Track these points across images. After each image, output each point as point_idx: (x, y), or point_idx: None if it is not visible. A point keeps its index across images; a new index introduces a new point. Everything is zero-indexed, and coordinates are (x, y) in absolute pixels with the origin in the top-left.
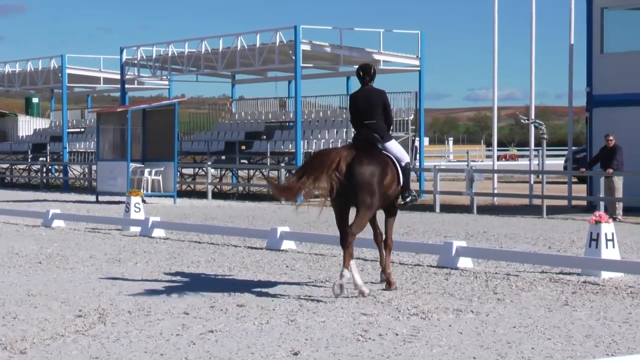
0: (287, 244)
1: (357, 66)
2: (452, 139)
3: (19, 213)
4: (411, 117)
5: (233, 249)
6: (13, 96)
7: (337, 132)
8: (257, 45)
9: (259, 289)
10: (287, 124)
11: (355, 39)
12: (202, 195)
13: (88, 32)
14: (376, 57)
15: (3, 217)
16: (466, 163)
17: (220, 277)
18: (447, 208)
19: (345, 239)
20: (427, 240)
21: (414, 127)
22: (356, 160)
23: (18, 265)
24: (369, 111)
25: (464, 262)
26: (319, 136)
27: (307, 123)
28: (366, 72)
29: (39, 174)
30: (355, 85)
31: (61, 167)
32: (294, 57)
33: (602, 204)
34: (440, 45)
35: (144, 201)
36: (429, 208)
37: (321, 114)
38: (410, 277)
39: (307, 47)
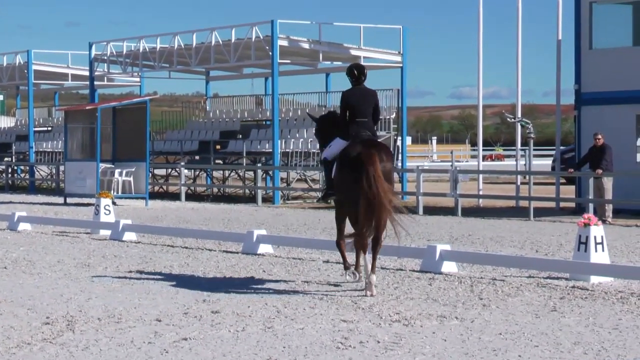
0: (264, 248)
1: (338, 63)
2: (435, 138)
3: None
4: (393, 116)
5: (208, 253)
6: None
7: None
8: (233, 40)
9: (234, 295)
10: (264, 122)
11: (335, 34)
12: (175, 197)
13: (55, 26)
14: (356, 52)
15: None
16: (450, 163)
17: (194, 282)
18: (430, 210)
19: (366, 240)
20: (409, 243)
21: (395, 125)
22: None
23: None
24: (363, 109)
25: (448, 267)
26: (297, 135)
27: (285, 122)
28: (361, 71)
29: (4, 174)
30: (336, 80)
31: (27, 168)
32: (270, 53)
33: (591, 205)
34: (424, 41)
35: (114, 203)
36: (412, 210)
37: (299, 112)
38: (392, 282)
39: (284, 43)
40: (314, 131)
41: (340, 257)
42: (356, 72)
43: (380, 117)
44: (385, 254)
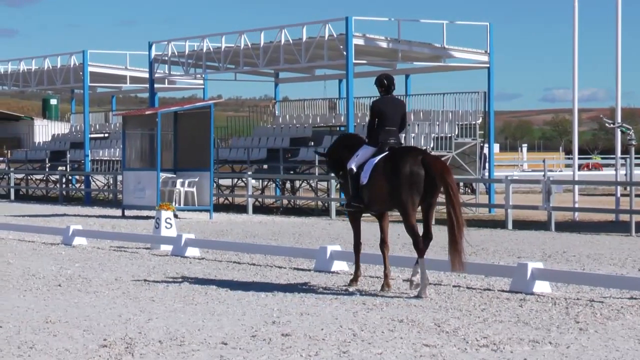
0: (338, 265)
1: (419, 63)
2: (526, 145)
3: (35, 229)
4: (479, 121)
5: (277, 271)
6: (29, 97)
7: None
8: (304, 39)
9: (306, 316)
10: (338, 128)
11: (415, 32)
12: (241, 209)
13: (108, 25)
14: (438, 52)
15: (18, 234)
16: (542, 173)
17: (262, 302)
18: (520, 224)
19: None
20: (498, 261)
21: (482, 132)
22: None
23: (35, 288)
24: (393, 118)
25: (541, 287)
26: None
27: (361, 127)
28: (391, 82)
29: (57, 185)
30: (417, 82)
31: (82, 178)
32: (345, 53)
33: None
34: (512, 39)
35: (176, 216)
36: (500, 224)
37: None
38: (479, 303)
39: (360, 42)
40: (327, 165)
41: (355, 264)
42: (386, 82)
43: (465, 122)
44: (472, 272)
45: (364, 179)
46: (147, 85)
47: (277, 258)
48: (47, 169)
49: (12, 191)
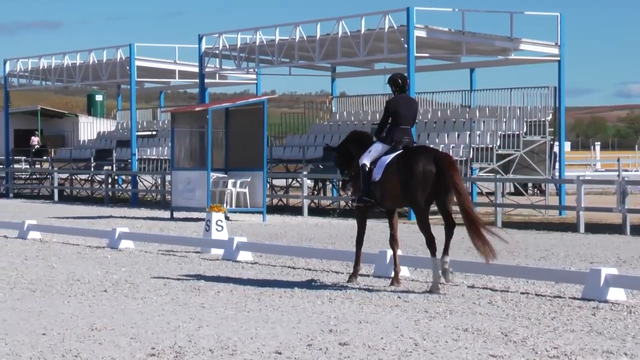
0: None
1: (485, 57)
2: (599, 143)
3: (80, 232)
4: (549, 118)
5: (334, 276)
6: (73, 93)
7: (458, 135)
8: (362, 31)
9: (365, 324)
10: None
11: (481, 23)
12: (296, 211)
13: (157, 16)
14: (505, 44)
15: (62, 237)
16: (617, 173)
17: (319, 309)
18: (593, 228)
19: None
20: (569, 266)
21: (552, 129)
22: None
23: (80, 293)
24: (408, 118)
25: (615, 294)
26: (437, 140)
27: (423, 125)
28: (405, 81)
29: (103, 185)
30: (482, 77)
31: (129, 178)
32: (406, 46)
33: None
34: (584, 30)
35: (227, 218)
36: (572, 228)
37: (439, 113)
38: (548, 312)
39: (422, 34)
40: (334, 161)
41: (355, 258)
42: (400, 81)
43: (534, 119)
44: (542, 278)
45: (377, 175)
46: (197, 81)
47: (334, 263)
48: (92, 169)
49: (56, 192)
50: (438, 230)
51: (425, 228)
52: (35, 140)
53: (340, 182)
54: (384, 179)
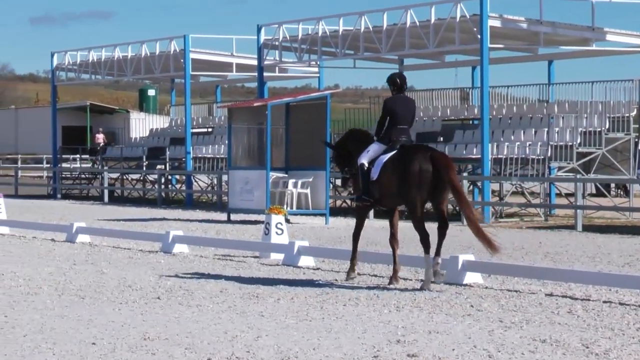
0: (471, 277)
1: (564, 47)
2: None
3: (131, 235)
4: (633, 113)
5: (402, 283)
6: (124, 87)
7: (535, 132)
8: (432, 21)
9: (435, 335)
10: (471, 122)
11: (559, 12)
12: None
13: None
14: (587, 34)
15: (112, 241)
16: None
17: (385, 318)
18: None
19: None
20: None
21: (636, 125)
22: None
23: (131, 301)
24: (406, 117)
25: None
26: (512, 138)
27: (497, 121)
28: (404, 81)
29: (156, 185)
30: (561, 69)
31: (183, 178)
32: (479, 36)
33: None
34: None
35: (287, 221)
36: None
37: (515, 109)
38: (633, 322)
39: (496, 23)
40: (331, 158)
41: (351, 254)
42: (399, 81)
43: (616, 115)
44: (625, 286)
45: (375, 175)
46: (256, 74)
47: (401, 269)
48: (144, 168)
49: (106, 192)
50: (432, 233)
51: (420, 227)
52: (100, 137)
53: (341, 180)
54: (381, 178)
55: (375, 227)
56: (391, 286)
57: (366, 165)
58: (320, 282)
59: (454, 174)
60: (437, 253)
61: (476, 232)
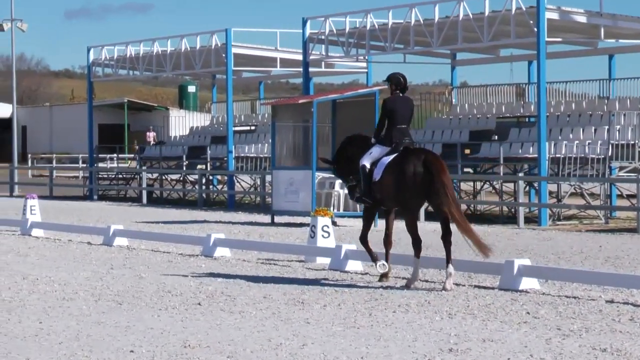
0: (527, 283)
1: (625, 41)
2: None
3: (171, 238)
4: None
5: (455, 289)
6: (163, 84)
7: (595, 130)
8: (486, 13)
9: (489, 343)
10: (527, 119)
11: (620, 3)
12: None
13: None
14: None
15: (151, 244)
16: None
17: (437, 326)
18: None
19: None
20: None
21: None
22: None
23: (171, 307)
24: (405, 117)
25: None
26: (571, 136)
27: (555, 118)
28: (406, 81)
29: (196, 186)
30: (623, 64)
31: (225, 178)
32: (535, 29)
33: None
34: None
35: (334, 223)
36: None
37: (573, 105)
38: None
39: (553, 15)
40: (334, 172)
41: (368, 254)
42: (403, 80)
43: None
44: None
45: (377, 176)
46: (301, 69)
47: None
48: (184, 168)
49: (145, 193)
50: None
51: (412, 230)
52: (151, 135)
53: (347, 190)
54: (383, 180)
55: (427, 230)
56: (444, 291)
57: (368, 166)
58: (369, 287)
59: (445, 178)
60: (448, 261)
61: (467, 233)
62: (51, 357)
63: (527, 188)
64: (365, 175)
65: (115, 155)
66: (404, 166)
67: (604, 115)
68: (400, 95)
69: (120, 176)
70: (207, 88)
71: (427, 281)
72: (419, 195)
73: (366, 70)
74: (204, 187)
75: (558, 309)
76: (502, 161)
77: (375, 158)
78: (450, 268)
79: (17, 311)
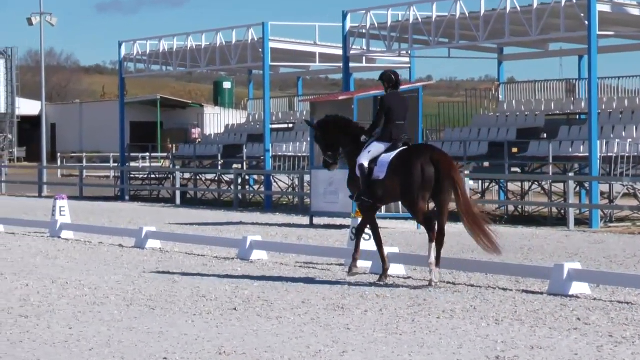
0: (578, 287)
1: None
2: None
3: (206, 240)
4: None
5: (501, 294)
6: (198, 80)
7: None
8: (535, 6)
9: (538, 351)
10: (578, 117)
11: None
12: (456, 217)
13: None
14: None
15: (185, 246)
16: None
17: (483, 332)
18: None
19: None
20: None
21: None
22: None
23: (206, 312)
24: (402, 113)
25: None
26: (624, 134)
27: (607, 115)
28: (398, 79)
29: (232, 186)
30: None
31: (262, 178)
32: (586, 22)
33: None
34: None
35: None
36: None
37: (626, 102)
38: None
39: (605, 8)
40: (314, 137)
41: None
42: (394, 78)
43: None
44: None
45: (380, 174)
46: (341, 65)
47: (501, 278)
48: (219, 167)
49: (178, 194)
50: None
51: (423, 222)
52: (196, 132)
53: (323, 162)
54: (386, 178)
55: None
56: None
57: (366, 165)
58: (412, 292)
59: (457, 176)
60: (436, 263)
61: (478, 229)
62: None
63: (578, 188)
64: (364, 175)
65: (147, 154)
66: (411, 164)
67: None
68: (396, 92)
69: (152, 176)
70: (243, 84)
71: (472, 286)
72: (428, 192)
73: (409, 65)
74: (239, 187)
75: (610, 315)
76: (551, 160)
77: (374, 155)
78: (436, 269)
79: (46, 316)
